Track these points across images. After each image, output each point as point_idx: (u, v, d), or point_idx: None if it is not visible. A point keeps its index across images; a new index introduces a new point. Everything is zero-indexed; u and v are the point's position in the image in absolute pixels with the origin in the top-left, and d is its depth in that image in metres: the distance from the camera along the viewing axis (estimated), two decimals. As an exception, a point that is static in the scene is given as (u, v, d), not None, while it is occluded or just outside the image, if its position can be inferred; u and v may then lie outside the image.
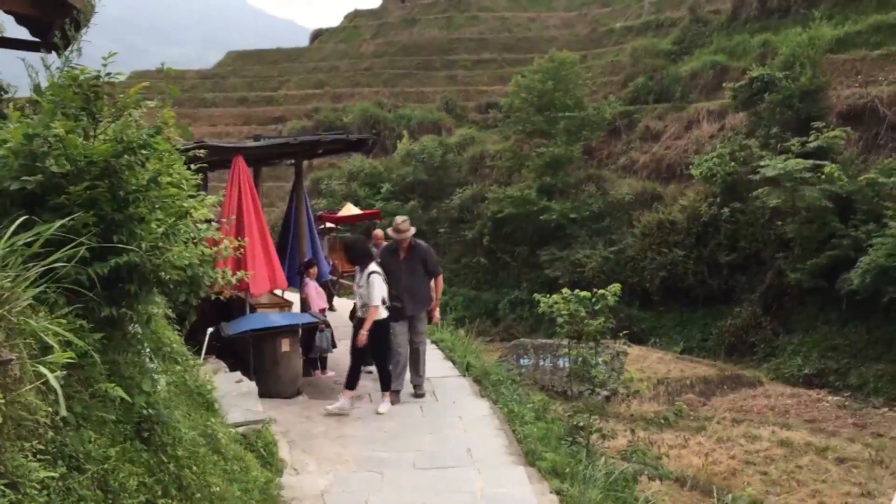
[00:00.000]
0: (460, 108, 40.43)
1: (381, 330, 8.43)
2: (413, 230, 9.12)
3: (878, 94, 22.84)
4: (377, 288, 8.38)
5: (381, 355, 8.62)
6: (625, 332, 10.27)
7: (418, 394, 9.03)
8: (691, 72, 31.02)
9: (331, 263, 14.17)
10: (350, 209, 19.80)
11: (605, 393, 11.60)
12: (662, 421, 9.50)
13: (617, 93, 33.36)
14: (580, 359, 9.13)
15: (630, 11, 43.56)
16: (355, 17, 55.61)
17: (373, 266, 8.54)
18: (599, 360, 9.07)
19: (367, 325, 8.31)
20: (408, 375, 9.14)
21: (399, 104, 41.23)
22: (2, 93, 5.68)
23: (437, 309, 9.49)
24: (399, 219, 9.18)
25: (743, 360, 20.73)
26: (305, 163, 12.70)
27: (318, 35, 56.93)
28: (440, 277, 9.40)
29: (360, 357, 8.54)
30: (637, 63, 34.19)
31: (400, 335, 8.84)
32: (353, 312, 9.42)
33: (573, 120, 29.08)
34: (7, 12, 6.41)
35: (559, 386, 16.85)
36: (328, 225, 14.80)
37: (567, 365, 12.24)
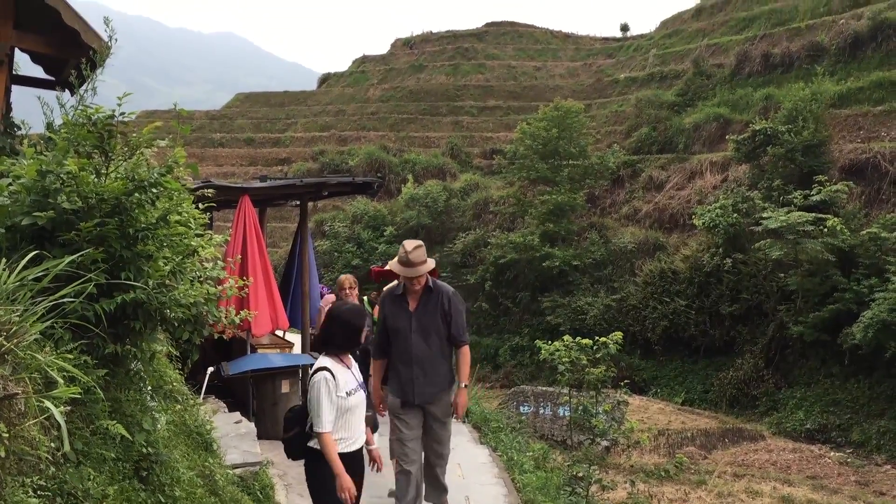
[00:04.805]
0: (465, 154, 40.78)
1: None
2: (431, 264, 5.92)
3: (881, 149, 23.02)
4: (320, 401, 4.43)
5: None
6: (626, 381, 10.26)
7: None
8: (694, 123, 31.30)
9: None
10: None
11: (606, 443, 11.54)
12: (663, 473, 9.45)
13: (620, 142, 33.67)
14: (581, 407, 9.11)
15: (634, 63, 44.12)
16: (363, 61, 56.34)
17: (322, 361, 4.57)
18: (600, 409, 9.04)
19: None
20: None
21: (404, 149, 41.60)
22: (16, 130, 5.75)
23: (465, 394, 5.83)
24: (410, 244, 5.84)
25: (745, 412, 20.54)
26: (310, 204, 12.76)
27: (325, 79, 57.63)
28: (465, 349, 5.92)
29: None
30: (641, 113, 34.52)
31: (409, 441, 5.64)
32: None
33: (577, 168, 29.35)
34: (23, 51, 6.54)
35: (559, 435, 16.73)
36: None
37: (567, 414, 12.19)
